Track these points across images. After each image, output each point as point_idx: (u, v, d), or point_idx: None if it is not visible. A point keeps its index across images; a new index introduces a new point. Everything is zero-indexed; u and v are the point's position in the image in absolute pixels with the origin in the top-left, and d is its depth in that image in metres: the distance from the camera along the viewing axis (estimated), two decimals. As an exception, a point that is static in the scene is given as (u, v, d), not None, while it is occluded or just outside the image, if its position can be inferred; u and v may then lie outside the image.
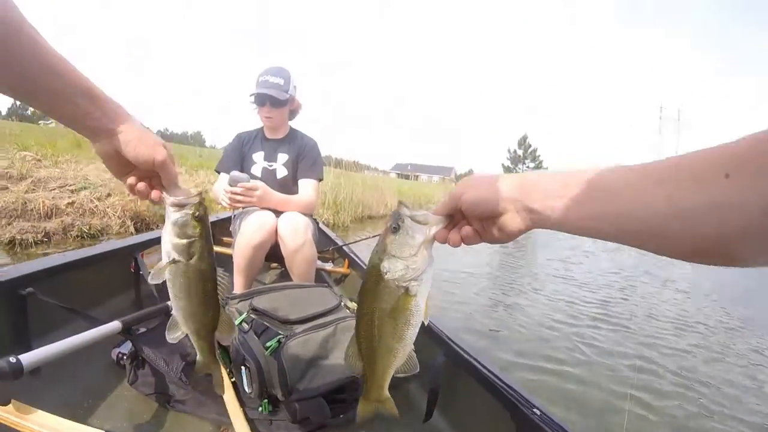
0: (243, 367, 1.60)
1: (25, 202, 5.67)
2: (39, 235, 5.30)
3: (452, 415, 1.70)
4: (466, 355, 1.62)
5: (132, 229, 6.16)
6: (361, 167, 16.07)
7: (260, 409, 1.57)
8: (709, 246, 0.55)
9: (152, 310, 1.93)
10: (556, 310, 4.79)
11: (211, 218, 2.69)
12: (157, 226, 6.25)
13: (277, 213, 2.45)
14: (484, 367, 1.53)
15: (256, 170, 2.68)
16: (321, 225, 2.89)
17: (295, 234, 2.31)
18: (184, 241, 0.94)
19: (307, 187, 2.66)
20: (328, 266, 3.36)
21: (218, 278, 1.01)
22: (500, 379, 1.46)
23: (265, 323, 1.67)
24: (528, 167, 54.86)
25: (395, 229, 0.78)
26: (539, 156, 55.05)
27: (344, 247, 3.39)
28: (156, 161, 0.87)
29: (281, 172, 2.69)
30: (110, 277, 2.25)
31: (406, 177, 71.15)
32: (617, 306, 5.38)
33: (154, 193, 0.91)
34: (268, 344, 1.58)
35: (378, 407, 0.95)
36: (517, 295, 5.35)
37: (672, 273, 9.23)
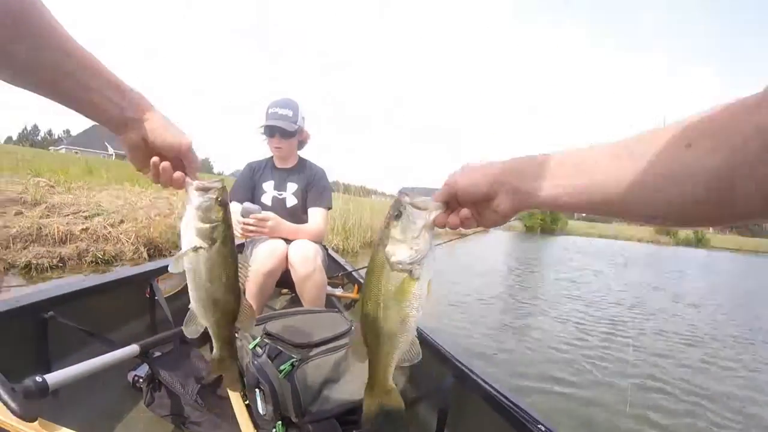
0: (257, 390, 1.64)
1: (40, 228, 5.79)
2: (54, 260, 5.41)
3: None
4: (474, 376, 1.65)
5: (145, 255, 6.25)
6: (368, 192, 16.15)
7: (274, 431, 1.60)
8: (670, 210, 0.63)
9: (168, 334, 2.00)
10: (565, 330, 4.80)
11: None
12: (170, 252, 6.36)
13: (288, 241, 2.52)
14: (493, 388, 1.56)
15: (266, 199, 2.75)
16: (330, 251, 2.95)
17: (306, 261, 2.37)
18: (208, 225, 0.94)
19: (316, 215, 2.72)
20: (338, 291, 3.41)
21: (239, 265, 1.02)
22: (509, 400, 1.49)
23: (279, 347, 1.71)
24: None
25: (398, 216, 0.83)
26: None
27: (353, 273, 3.44)
28: (183, 146, 0.90)
29: (291, 201, 2.76)
30: (126, 302, 2.31)
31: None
32: (626, 324, 5.38)
33: (178, 174, 0.92)
34: (282, 367, 1.63)
35: (383, 401, 0.95)
36: (525, 317, 5.36)
37: (682, 287, 9.21)
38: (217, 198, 0.94)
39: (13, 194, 6.96)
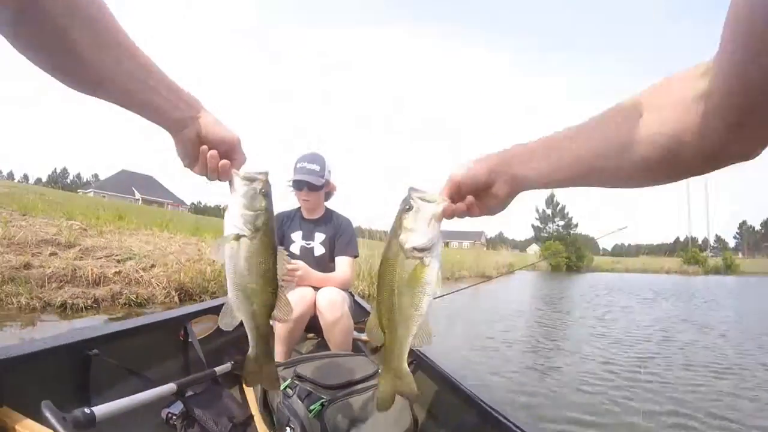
0: (288, 429, 1.73)
1: (75, 269, 6.03)
2: (89, 301, 5.61)
3: None
4: (496, 414, 1.70)
5: (176, 299, 6.42)
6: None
7: (304, 468, 1.67)
8: (632, 174, 0.74)
9: (202, 375, 2.09)
10: (591, 370, 4.74)
11: None
12: (200, 297, 6.53)
13: (316, 288, 2.61)
14: (518, 427, 1.60)
15: (294, 248, 2.86)
16: (356, 297, 3.03)
17: (333, 308, 2.46)
18: (251, 212, 0.97)
19: (343, 264, 2.82)
20: (364, 336, 3.46)
21: (279, 256, 1.03)
22: None
23: (309, 388, 1.79)
24: (558, 226, 53.97)
25: (409, 208, 0.92)
26: (568, 213, 54.36)
27: None
28: (233, 140, 0.96)
29: (318, 251, 2.86)
30: (162, 343, 2.41)
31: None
32: (653, 360, 5.30)
33: (224, 161, 0.95)
34: (312, 407, 1.71)
35: (397, 385, 1.02)
36: (551, 358, 5.31)
37: (711, 317, 9.01)
38: (261, 188, 0.98)
39: (48, 236, 7.24)
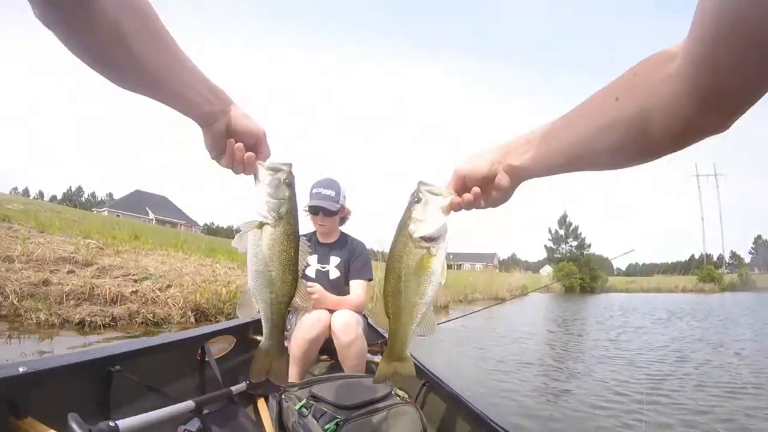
0: (303, 448, 1.76)
1: (93, 287, 6.14)
2: (107, 319, 5.73)
3: None
4: None
5: (192, 319, 6.50)
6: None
7: (318, 487, 1.70)
8: (615, 155, 0.78)
9: (219, 393, 2.16)
10: (604, 392, 4.71)
11: None
12: (216, 318, 6.60)
13: (331, 310, 2.67)
14: None
15: (310, 272, 2.92)
16: (370, 320, 3.09)
17: (348, 330, 2.51)
18: (275, 200, 0.99)
19: (357, 287, 2.88)
20: (377, 358, 3.49)
21: (301, 246, 1.04)
22: None
23: (324, 408, 1.84)
24: (571, 246, 53.41)
25: (418, 201, 0.98)
26: (581, 233, 53.83)
27: None
28: (260, 133, 0.99)
29: (334, 274, 2.92)
30: (180, 361, 2.48)
31: (448, 267, 70.66)
32: (666, 382, 5.25)
33: (250, 153, 0.98)
34: (327, 427, 1.75)
35: (398, 367, 1.07)
36: (564, 381, 5.29)
37: (726, 336, 8.89)
38: (285, 178, 1.01)
39: (65, 253, 7.40)
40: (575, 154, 0.83)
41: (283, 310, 1.06)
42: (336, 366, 2.68)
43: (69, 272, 6.67)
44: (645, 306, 20.48)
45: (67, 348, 4.59)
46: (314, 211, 2.89)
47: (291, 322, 2.77)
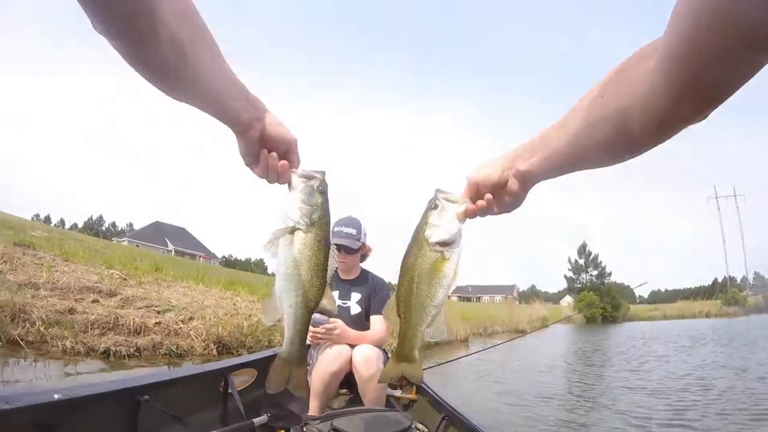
0: (325, 480, 1.80)
1: (117, 318, 6.26)
2: (131, 349, 5.84)
3: None
4: None
5: (214, 351, 6.58)
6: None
7: None
8: (605, 151, 0.81)
9: (240, 425, 2.21)
10: (627, 424, 4.64)
11: None
12: (237, 351, 6.66)
13: (352, 345, 2.72)
14: None
15: None
16: (390, 354, 3.14)
17: (368, 364, 2.56)
18: (308, 207, 1.00)
19: (377, 323, 2.93)
20: (397, 393, 3.52)
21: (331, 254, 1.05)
22: None
23: (345, 441, 1.87)
24: (591, 276, 52.56)
25: (434, 207, 1.02)
26: (601, 262, 53.00)
27: None
28: (292, 141, 1.00)
29: (354, 309, 2.99)
30: (204, 393, 2.55)
31: (468, 299, 69.28)
32: (689, 411, 5.16)
33: (283, 161, 0.99)
34: (348, 460, 1.78)
35: (405, 369, 1.09)
36: (585, 413, 5.24)
37: (750, 361, 8.70)
38: (318, 185, 1.02)
39: (90, 283, 7.55)
40: (571, 154, 0.87)
41: (308, 317, 1.05)
42: (356, 400, 2.73)
43: (93, 301, 6.82)
44: (668, 334, 20.10)
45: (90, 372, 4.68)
46: (336, 248, 2.97)
47: (312, 356, 2.82)
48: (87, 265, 9.23)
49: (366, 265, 3.22)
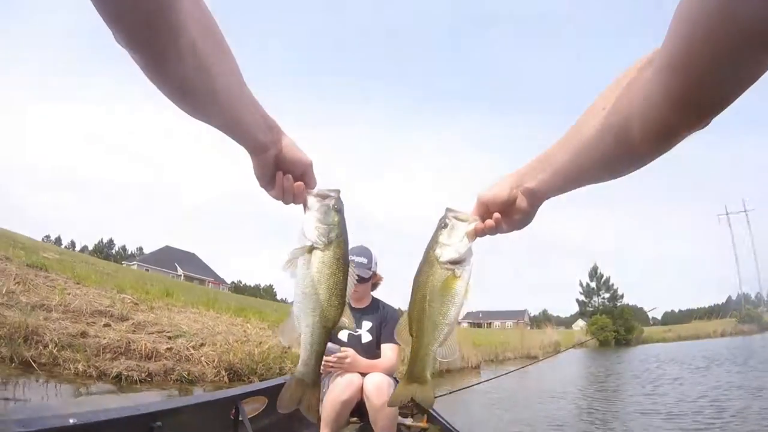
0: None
1: (129, 342, 6.29)
2: (143, 374, 5.83)
3: None
4: None
5: (226, 378, 6.57)
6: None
7: None
8: (610, 164, 0.81)
9: None
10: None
11: None
12: (248, 378, 6.67)
13: (363, 374, 2.75)
14: None
15: (342, 335, 2.99)
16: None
17: (380, 393, 2.58)
18: (325, 226, 1.00)
19: (388, 351, 2.96)
20: (408, 421, 3.52)
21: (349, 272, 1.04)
22: None
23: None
24: (603, 299, 52.03)
25: (444, 226, 1.03)
26: (613, 284, 52.50)
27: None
28: (308, 163, 1.00)
29: (366, 338, 3.01)
30: (215, 420, 2.57)
31: (478, 325, 68.68)
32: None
33: (299, 183, 0.98)
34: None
35: (416, 391, 1.05)
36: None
37: (765, 381, 8.54)
38: (334, 204, 1.02)
39: (101, 307, 7.58)
40: (575, 169, 0.86)
41: (326, 337, 1.04)
42: (366, 428, 2.74)
43: (105, 325, 6.85)
44: (683, 355, 19.85)
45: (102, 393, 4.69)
46: None
47: (324, 384, 2.83)
48: (98, 289, 9.28)
49: (377, 293, 3.24)
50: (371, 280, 3.09)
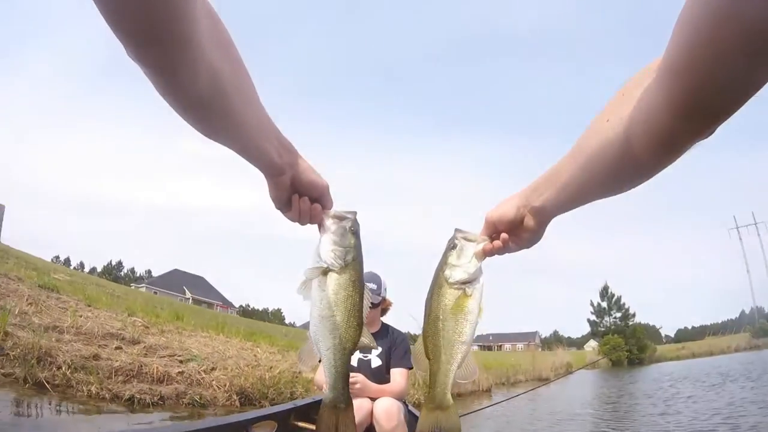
0: None
1: (141, 366, 6.32)
2: (155, 398, 5.86)
3: None
4: None
5: (237, 403, 6.59)
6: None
7: None
8: (613, 178, 0.80)
9: None
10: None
11: (310, 399, 3.13)
12: (260, 403, 6.69)
13: (373, 398, 2.77)
14: None
15: (352, 360, 3.04)
16: (410, 407, 3.18)
17: (390, 417, 2.61)
18: (341, 248, 1.00)
19: (398, 375, 2.99)
20: None
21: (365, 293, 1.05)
22: None
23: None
24: (615, 318, 51.41)
25: (453, 246, 1.05)
26: (624, 303, 51.89)
27: None
28: (324, 186, 1.00)
29: (375, 363, 3.03)
30: None
31: (489, 348, 68.38)
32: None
33: (317, 205, 0.99)
34: None
35: (440, 418, 1.04)
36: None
37: None
38: (351, 226, 1.02)
39: (113, 329, 7.61)
40: (582, 184, 0.85)
41: (348, 358, 1.04)
42: None
43: (117, 348, 6.87)
44: (697, 372, 19.59)
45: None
46: None
47: None
48: (109, 312, 9.33)
49: (386, 318, 3.27)
50: (380, 306, 3.13)
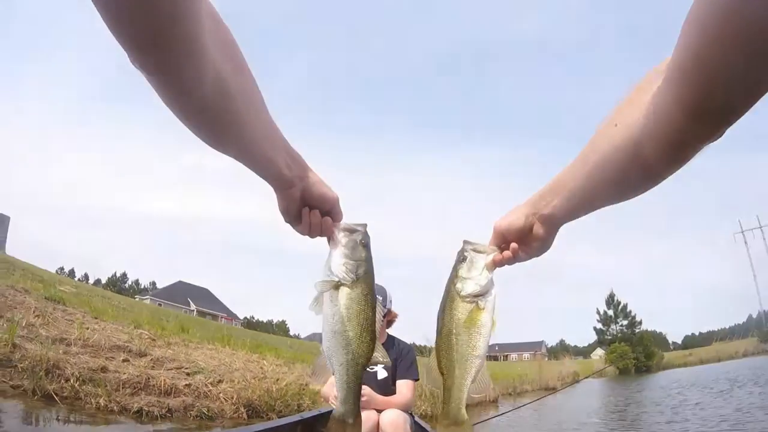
0: None
1: (148, 378, 6.35)
2: (163, 410, 5.88)
3: None
4: None
5: (244, 415, 6.58)
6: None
7: None
8: (624, 180, 0.78)
9: None
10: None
11: (317, 412, 3.16)
12: (267, 415, 6.69)
13: (379, 410, 2.79)
14: None
15: None
16: (416, 418, 3.18)
17: (396, 429, 2.63)
18: (353, 262, 0.98)
19: (404, 387, 3.00)
20: None
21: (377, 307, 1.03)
22: None
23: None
24: (621, 326, 51.02)
25: (463, 259, 1.04)
26: (631, 311, 51.51)
27: None
28: (334, 199, 0.98)
29: (381, 374, 3.05)
30: None
31: (495, 358, 67.63)
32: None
33: (327, 218, 0.98)
34: None
35: None
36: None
37: None
38: (361, 239, 1.00)
39: (120, 342, 7.64)
40: (590, 190, 0.85)
41: (360, 373, 1.03)
42: None
43: (124, 360, 6.90)
44: (704, 379, 19.45)
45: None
46: None
47: None
48: (116, 324, 9.34)
49: (392, 330, 3.29)
50: (386, 318, 3.14)
